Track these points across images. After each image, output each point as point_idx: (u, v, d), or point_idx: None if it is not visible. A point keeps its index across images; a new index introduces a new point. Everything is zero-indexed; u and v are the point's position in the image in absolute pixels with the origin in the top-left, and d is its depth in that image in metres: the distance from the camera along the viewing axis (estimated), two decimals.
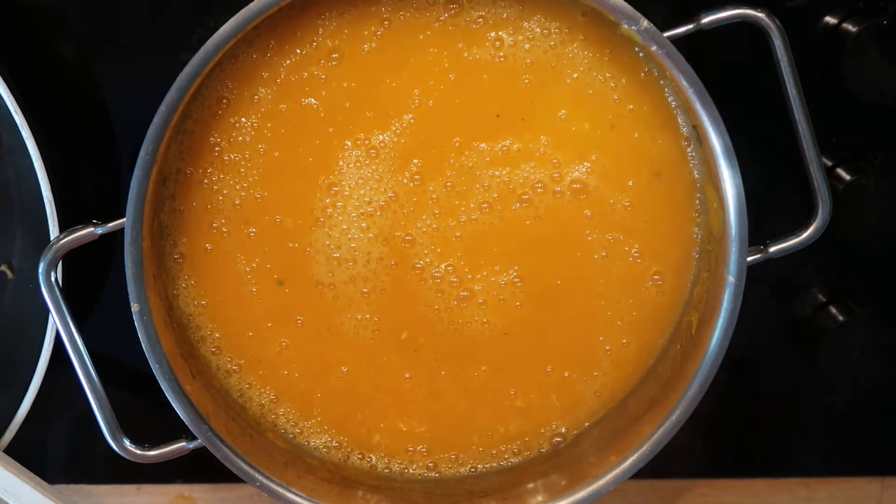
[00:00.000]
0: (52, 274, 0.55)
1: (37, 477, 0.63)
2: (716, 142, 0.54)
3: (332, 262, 0.59)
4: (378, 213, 0.58)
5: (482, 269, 0.59)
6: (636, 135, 0.58)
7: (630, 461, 0.57)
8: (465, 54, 0.57)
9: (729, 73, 0.62)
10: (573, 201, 0.58)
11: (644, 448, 0.57)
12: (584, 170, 0.58)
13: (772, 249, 0.57)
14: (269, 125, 0.57)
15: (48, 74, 0.62)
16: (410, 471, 0.62)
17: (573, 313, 0.60)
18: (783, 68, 0.55)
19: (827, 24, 0.62)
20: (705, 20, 0.55)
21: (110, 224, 0.55)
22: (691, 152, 0.58)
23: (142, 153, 0.53)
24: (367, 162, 0.58)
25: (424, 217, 0.58)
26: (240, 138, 0.58)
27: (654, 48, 0.53)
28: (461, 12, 0.57)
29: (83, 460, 0.67)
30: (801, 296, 0.66)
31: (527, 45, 0.57)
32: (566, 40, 0.57)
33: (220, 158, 0.58)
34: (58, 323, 0.56)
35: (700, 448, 0.67)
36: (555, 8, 0.57)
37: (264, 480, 0.57)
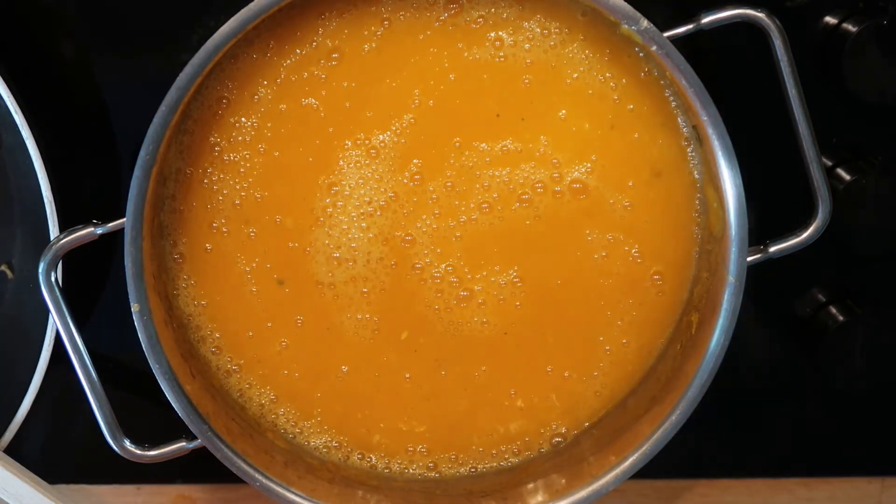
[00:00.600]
0: (52, 274, 0.55)
1: (37, 477, 0.63)
2: (716, 142, 0.54)
3: (332, 262, 0.59)
4: (378, 213, 0.58)
5: (482, 269, 0.59)
6: (636, 135, 0.58)
7: (630, 461, 0.57)
8: (465, 54, 0.57)
9: (729, 73, 0.62)
10: (573, 201, 0.58)
11: (644, 448, 0.57)
12: (584, 170, 0.58)
13: (772, 249, 0.57)
14: (269, 125, 0.57)
15: (48, 74, 0.62)
16: (410, 471, 0.62)
17: (573, 313, 0.60)
18: (783, 68, 0.55)
19: (827, 24, 0.62)
20: (705, 20, 0.55)
21: (110, 224, 0.55)
22: (691, 152, 0.58)
23: (142, 153, 0.53)
24: (367, 162, 0.58)
25: (424, 217, 0.58)
26: (240, 138, 0.58)
27: (654, 48, 0.53)
28: (461, 12, 0.57)
29: (83, 460, 0.67)
30: (801, 296, 0.66)
31: (527, 45, 0.57)
32: (566, 40, 0.57)
33: (220, 158, 0.58)
34: (58, 323, 0.56)
35: (700, 448, 0.67)
36: (555, 8, 0.57)
37: (264, 480, 0.57)
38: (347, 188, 0.58)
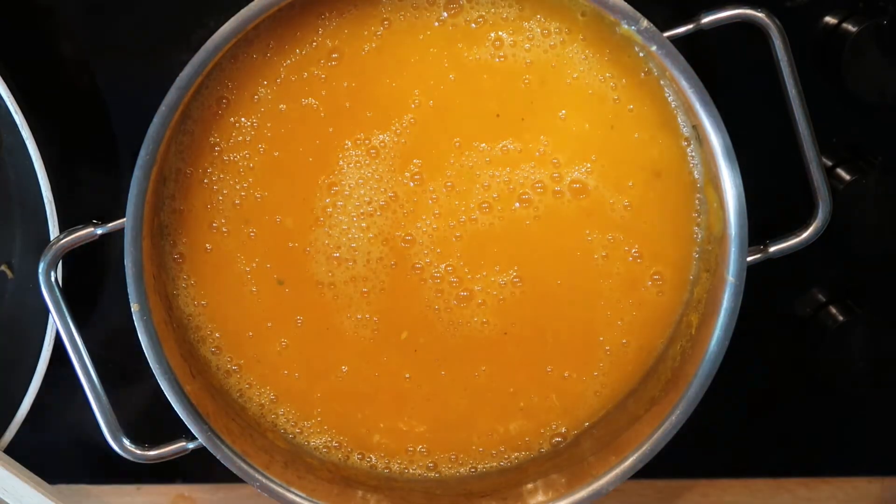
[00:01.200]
0: (52, 274, 0.55)
1: (37, 477, 0.63)
2: (716, 142, 0.54)
3: (332, 262, 0.59)
4: (378, 213, 0.58)
5: (482, 269, 0.59)
6: (636, 135, 0.58)
7: (630, 461, 0.57)
8: (465, 54, 0.57)
9: (729, 73, 0.62)
10: (573, 201, 0.58)
11: (644, 448, 0.57)
12: (583, 170, 0.58)
13: (772, 249, 0.57)
14: (268, 125, 0.57)
15: (48, 74, 0.62)
16: (410, 471, 0.62)
17: (573, 313, 0.60)
18: (783, 68, 0.55)
19: (827, 24, 0.62)
20: (705, 20, 0.55)
21: (110, 224, 0.55)
22: (691, 152, 0.58)
23: (142, 153, 0.53)
24: (367, 162, 0.58)
25: (424, 217, 0.58)
26: (240, 138, 0.58)
27: (653, 48, 0.53)
28: (461, 12, 0.57)
29: (83, 460, 0.67)
30: (801, 296, 0.66)
31: (527, 46, 0.57)
32: (566, 40, 0.57)
33: (220, 158, 0.58)
34: (58, 323, 0.56)
35: (700, 448, 0.67)
36: (555, 8, 0.57)
37: (264, 480, 0.57)
38: (347, 188, 0.58)
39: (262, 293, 0.59)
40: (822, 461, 0.69)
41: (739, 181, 0.54)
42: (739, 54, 0.61)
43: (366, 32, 0.57)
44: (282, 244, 0.59)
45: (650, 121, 0.58)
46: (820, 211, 0.57)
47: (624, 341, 0.60)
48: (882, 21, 0.60)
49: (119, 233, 0.54)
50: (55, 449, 0.67)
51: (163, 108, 0.52)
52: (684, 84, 0.54)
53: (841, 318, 0.65)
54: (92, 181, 0.64)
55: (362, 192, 0.58)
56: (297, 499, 0.57)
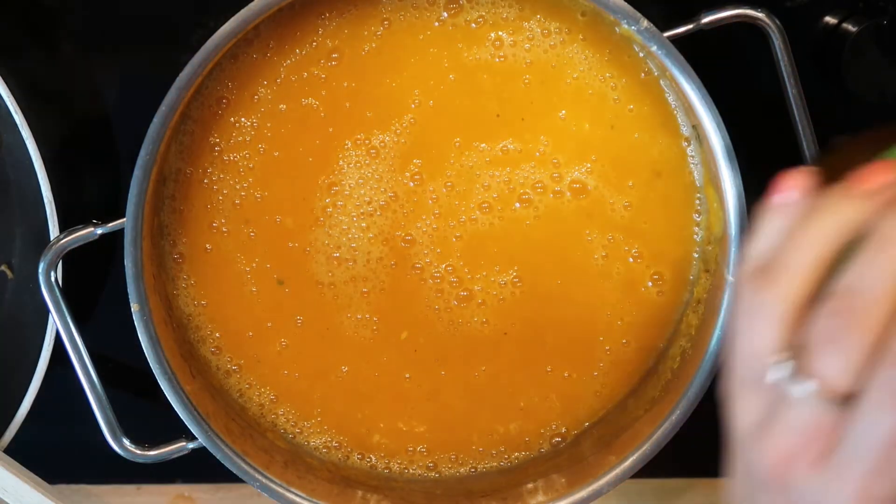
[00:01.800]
0: (52, 274, 0.55)
1: (37, 477, 0.63)
2: (716, 142, 0.54)
3: (332, 262, 0.59)
4: (378, 213, 0.58)
5: (482, 269, 0.59)
6: (636, 135, 0.58)
7: (630, 461, 0.57)
8: (465, 54, 0.57)
9: (729, 73, 0.62)
10: (573, 201, 0.58)
11: (644, 448, 0.57)
12: (584, 170, 0.58)
13: None
14: (268, 125, 0.57)
15: (48, 74, 0.62)
16: (410, 471, 0.62)
17: (573, 313, 0.60)
18: (783, 68, 0.55)
19: (827, 24, 0.62)
20: (705, 20, 0.55)
21: (110, 224, 0.55)
22: (691, 152, 0.58)
23: (142, 153, 0.53)
24: (367, 162, 0.58)
25: (424, 217, 0.58)
26: (240, 138, 0.58)
27: (653, 48, 0.53)
28: (461, 12, 0.57)
29: (83, 460, 0.67)
30: None
31: (527, 45, 0.57)
32: (566, 40, 0.57)
33: (220, 158, 0.58)
34: (58, 323, 0.56)
35: (700, 448, 0.67)
36: (555, 8, 0.57)
37: (264, 480, 0.57)
38: (347, 188, 0.58)
39: (262, 293, 0.59)
40: None
41: (739, 181, 0.54)
42: (739, 54, 0.61)
43: (366, 32, 0.57)
44: (282, 244, 0.59)
45: (650, 121, 0.58)
46: None
47: (624, 341, 0.60)
48: (882, 21, 0.60)
49: (119, 233, 0.54)
50: (55, 449, 0.67)
51: (163, 108, 0.52)
52: (684, 84, 0.54)
53: None
54: (92, 181, 0.64)
55: (362, 192, 0.58)
56: (297, 499, 0.57)
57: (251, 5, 0.52)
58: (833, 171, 0.40)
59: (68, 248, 0.55)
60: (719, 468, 0.69)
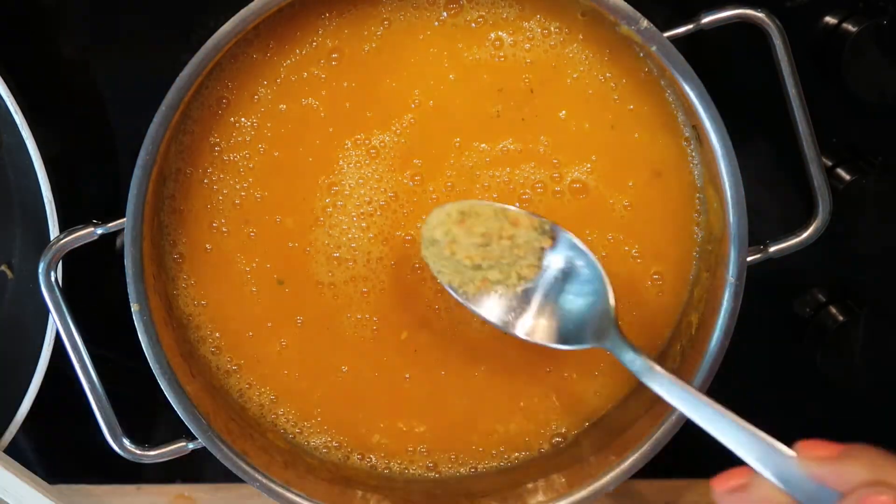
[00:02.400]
0: (52, 274, 0.55)
1: (37, 477, 0.63)
2: (716, 142, 0.54)
3: (332, 262, 0.59)
4: (378, 213, 0.58)
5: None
6: (636, 135, 0.58)
7: (630, 461, 0.57)
8: (465, 54, 0.57)
9: (729, 73, 0.62)
10: (573, 201, 0.58)
11: (644, 448, 0.57)
12: (584, 170, 0.58)
13: (772, 249, 0.57)
14: (268, 125, 0.57)
15: (48, 74, 0.62)
16: (410, 471, 0.62)
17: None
18: (783, 68, 0.55)
19: (827, 24, 0.62)
20: (705, 20, 0.55)
21: (110, 224, 0.55)
22: (691, 152, 0.58)
23: (142, 153, 0.53)
24: (367, 162, 0.58)
25: (424, 217, 0.58)
26: (240, 138, 0.58)
27: (653, 48, 0.53)
28: (461, 12, 0.57)
29: (83, 460, 0.67)
30: (801, 296, 0.66)
31: (527, 45, 0.57)
32: (566, 40, 0.57)
33: (220, 158, 0.58)
34: (58, 323, 0.56)
35: (700, 448, 0.67)
36: (555, 8, 0.57)
37: (264, 480, 0.57)
38: (347, 188, 0.58)
39: (262, 293, 0.59)
40: None
41: (739, 181, 0.54)
42: (739, 54, 0.61)
43: (366, 32, 0.57)
44: (282, 244, 0.59)
45: (650, 121, 0.58)
46: (820, 211, 0.57)
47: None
48: (882, 21, 0.60)
49: (119, 233, 0.54)
50: (55, 449, 0.67)
51: (163, 108, 0.52)
52: (684, 84, 0.54)
53: (841, 318, 0.65)
54: (92, 181, 0.64)
55: (362, 191, 0.58)
56: (297, 499, 0.57)
57: (251, 5, 0.52)
58: None
59: (68, 248, 0.55)
60: (719, 468, 0.69)
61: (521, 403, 0.61)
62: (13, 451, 0.63)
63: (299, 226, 0.58)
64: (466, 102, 0.57)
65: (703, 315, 0.58)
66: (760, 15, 0.54)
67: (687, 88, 0.54)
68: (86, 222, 0.56)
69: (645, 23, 0.53)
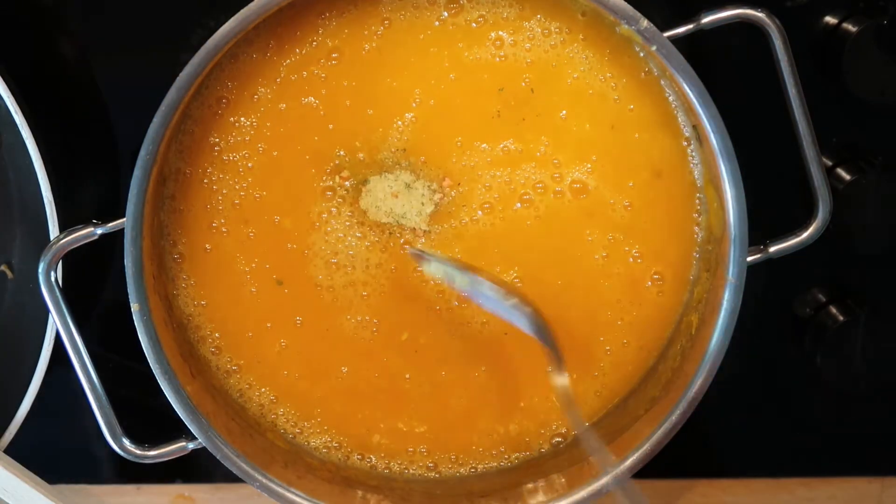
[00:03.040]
0: (52, 274, 0.55)
1: (37, 477, 0.63)
2: (716, 142, 0.54)
3: (331, 267, 0.59)
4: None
5: (483, 269, 0.59)
6: (636, 135, 0.58)
7: (630, 461, 0.57)
8: (466, 54, 0.57)
9: (729, 73, 0.62)
10: (574, 201, 0.58)
11: (644, 448, 0.57)
12: (584, 170, 0.58)
13: (772, 249, 0.57)
14: (268, 125, 0.57)
15: (48, 74, 0.62)
16: (410, 471, 0.62)
17: (573, 314, 0.60)
18: (783, 68, 0.55)
19: (827, 24, 0.62)
20: (705, 20, 0.55)
21: (110, 224, 0.55)
22: (691, 152, 0.58)
23: (142, 153, 0.53)
24: (367, 162, 0.58)
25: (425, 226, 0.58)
26: (239, 138, 0.57)
27: (654, 48, 0.53)
28: (461, 12, 0.57)
29: (83, 460, 0.67)
30: (801, 296, 0.66)
31: (527, 45, 0.57)
32: (566, 40, 0.57)
33: (220, 158, 0.58)
34: (58, 323, 0.56)
35: (700, 448, 0.67)
36: (555, 8, 0.57)
37: (264, 480, 0.57)
38: (345, 190, 0.58)
39: (262, 293, 0.59)
40: (822, 461, 0.69)
41: (739, 181, 0.54)
42: (739, 54, 0.61)
43: (366, 32, 0.57)
44: (281, 245, 0.58)
45: (650, 121, 0.58)
46: (820, 211, 0.57)
47: (624, 341, 0.60)
48: (882, 21, 0.60)
49: (119, 233, 0.54)
50: (55, 449, 0.67)
51: (163, 108, 0.52)
52: (684, 84, 0.54)
53: (841, 318, 0.65)
54: (92, 181, 0.64)
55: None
56: (297, 499, 0.57)
57: (251, 5, 0.52)
58: None
59: (68, 248, 0.55)
60: (719, 468, 0.70)
61: (521, 403, 0.61)
62: (13, 451, 0.63)
63: (298, 227, 0.58)
64: (467, 102, 0.57)
65: (703, 315, 0.58)
66: (760, 15, 0.54)
67: (687, 88, 0.54)
68: (86, 222, 0.56)
69: (645, 23, 0.53)
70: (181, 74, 0.52)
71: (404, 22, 0.57)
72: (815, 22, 0.62)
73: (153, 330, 0.55)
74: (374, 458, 0.61)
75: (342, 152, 0.58)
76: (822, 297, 0.66)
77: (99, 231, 0.55)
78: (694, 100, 0.54)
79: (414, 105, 0.57)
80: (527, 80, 0.57)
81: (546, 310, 0.59)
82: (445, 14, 0.57)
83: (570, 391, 0.56)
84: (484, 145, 0.58)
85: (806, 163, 0.56)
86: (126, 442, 0.57)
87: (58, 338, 0.58)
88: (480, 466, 0.62)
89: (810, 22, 0.62)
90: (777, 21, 0.55)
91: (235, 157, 0.58)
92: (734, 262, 0.55)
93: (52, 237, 0.59)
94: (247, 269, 0.59)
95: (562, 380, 0.55)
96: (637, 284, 0.59)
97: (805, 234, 0.57)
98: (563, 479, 0.59)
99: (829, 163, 0.63)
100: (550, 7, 0.57)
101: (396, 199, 0.58)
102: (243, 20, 0.52)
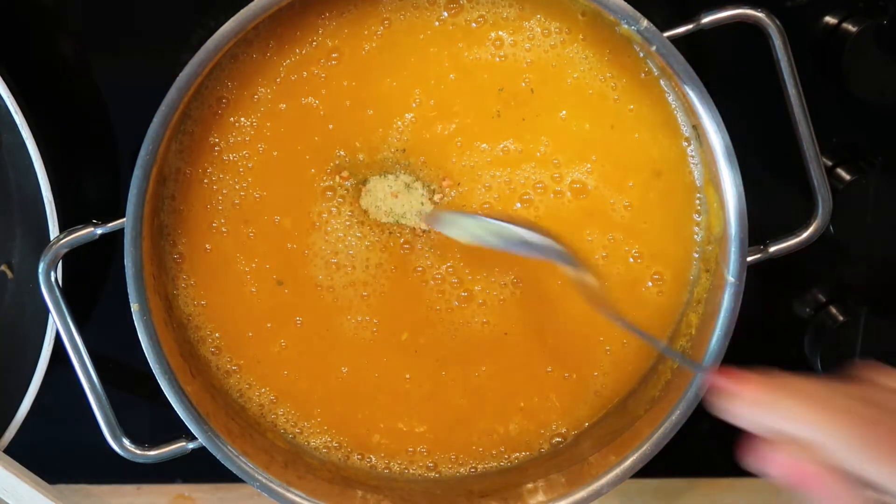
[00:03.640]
0: (52, 274, 0.55)
1: (37, 477, 0.63)
2: (716, 142, 0.54)
3: (331, 267, 0.59)
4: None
5: (483, 269, 0.59)
6: (636, 135, 0.58)
7: (630, 461, 0.57)
8: (466, 54, 0.57)
9: (729, 73, 0.62)
10: (573, 201, 0.58)
11: (644, 448, 0.57)
12: (584, 170, 0.58)
13: (772, 249, 0.57)
14: (268, 125, 0.57)
15: (48, 74, 0.62)
16: (410, 471, 0.62)
17: (573, 314, 0.60)
18: (783, 68, 0.55)
19: (827, 24, 0.62)
20: (705, 20, 0.55)
21: (110, 224, 0.55)
22: (691, 152, 0.58)
23: (142, 153, 0.53)
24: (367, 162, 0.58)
25: (425, 227, 0.58)
26: (239, 138, 0.57)
27: (654, 48, 0.53)
28: (461, 12, 0.57)
29: (83, 460, 0.67)
30: (801, 296, 0.66)
31: (527, 45, 0.57)
32: (566, 40, 0.57)
33: (220, 158, 0.58)
34: (58, 323, 0.56)
35: (700, 448, 0.67)
36: (555, 8, 0.57)
37: (264, 480, 0.57)
38: (345, 190, 0.58)
39: (262, 293, 0.59)
40: None
41: (739, 181, 0.54)
42: (739, 54, 0.61)
43: (366, 32, 0.57)
44: (281, 245, 0.58)
45: (650, 121, 0.58)
46: (820, 211, 0.57)
47: (624, 341, 0.60)
48: (882, 21, 0.60)
49: (119, 233, 0.54)
50: (55, 449, 0.67)
51: (163, 108, 0.52)
52: (684, 84, 0.54)
53: (841, 318, 0.65)
54: (92, 181, 0.64)
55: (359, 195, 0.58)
56: (297, 499, 0.57)
57: (251, 5, 0.52)
58: None
59: (68, 248, 0.55)
60: (719, 468, 0.69)
61: (521, 403, 0.61)
62: (13, 451, 0.63)
63: (298, 227, 0.58)
64: (467, 102, 0.57)
65: (703, 315, 0.58)
66: (760, 15, 0.54)
67: (687, 88, 0.54)
68: (86, 222, 0.56)
69: (645, 23, 0.53)
70: (181, 74, 0.52)
71: (404, 22, 0.57)
72: (815, 22, 0.62)
73: (153, 330, 0.55)
74: (374, 458, 0.61)
75: (342, 152, 0.58)
76: (822, 297, 0.66)
77: (99, 231, 0.55)
78: (694, 100, 0.54)
79: (414, 105, 0.57)
80: (527, 80, 0.57)
81: (546, 310, 0.59)
82: (445, 14, 0.57)
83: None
84: (484, 145, 0.58)
85: (806, 163, 0.56)
86: (126, 442, 0.57)
87: (58, 338, 0.58)
88: (480, 466, 0.62)
89: (810, 22, 0.62)
90: (777, 21, 0.55)
91: (235, 157, 0.58)
92: (734, 262, 0.55)
93: (52, 237, 0.59)
94: (247, 269, 0.59)
95: (592, 280, 0.54)
96: (637, 284, 0.59)
97: (805, 234, 0.57)
98: (563, 479, 0.59)
99: (829, 163, 0.63)
100: (550, 7, 0.57)
101: (396, 198, 0.58)
102: (243, 20, 0.52)
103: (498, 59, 0.57)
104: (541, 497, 0.59)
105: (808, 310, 0.66)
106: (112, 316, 0.64)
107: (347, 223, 0.58)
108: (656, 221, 0.59)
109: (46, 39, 0.62)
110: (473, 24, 0.57)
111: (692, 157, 0.58)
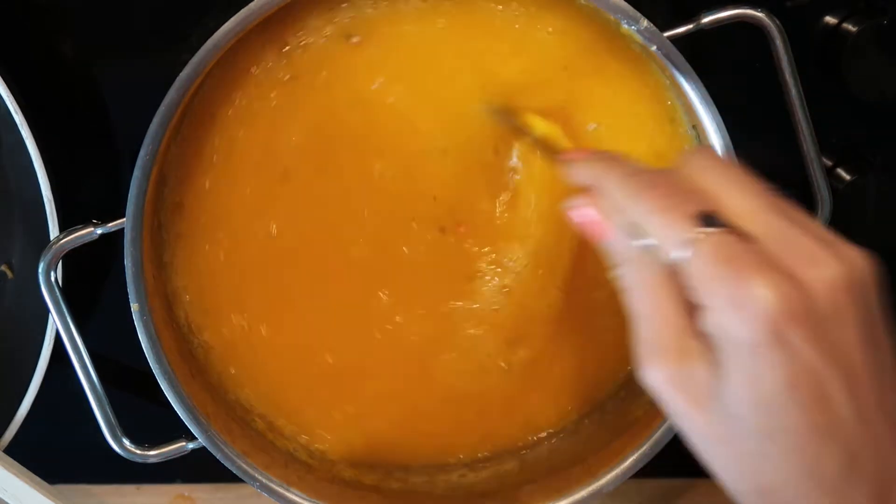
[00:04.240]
0: (52, 274, 0.55)
1: (37, 477, 0.63)
2: (716, 142, 0.54)
3: (331, 271, 0.59)
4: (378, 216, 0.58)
5: (488, 265, 0.59)
6: (636, 135, 0.58)
7: (630, 461, 0.57)
8: (464, 48, 0.57)
9: (729, 73, 0.62)
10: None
11: (644, 448, 0.57)
12: None
13: None
14: (268, 125, 0.57)
15: (48, 74, 0.62)
16: (410, 471, 0.62)
17: (573, 312, 0.60)
18: (783, 68, 0.55)
19: (827, 24, 0.62)
20: (705, 20, 0.55)
21: (110, 224, 0.55)
22: None
23: (142, 153, 0.53)
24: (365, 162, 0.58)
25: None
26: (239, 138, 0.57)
27: (653, 48, 0.53)
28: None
29: (83, 460, 0.67)
30: None
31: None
32: (566, 40, 0.57)
33: (221, 158, 0.58)
34: (58, 323, 0.56)
35: None
36: (555, 8, 0.57)
37: (264, 480, 0.57)
38: (342, 191, 0.58)
39: (261, 293, 0.59)
40: None
41: None
42: (739, 54, 0.61)
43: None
44: (280, 247, 0.58)
45: (650, 121, 0.58)
46: (820, 211, 0.57)
47: (625, 342, 0.60)
48: (882, 21, 0.60)
49: (119, 233, 0.54)
50: (55, 449, 0.67)
51: (163, 108, 0.52)
52: (684, 84, 0.54)
53: None
54: (92, 181, 0.64)
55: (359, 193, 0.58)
56: (297, 499, 0.57)
57: (251, 5, 0.52)
58: None
59: (68, 248, 0.55)
60: None
61: (521, 403, 0.61)
62: (13, 451, 0.63)
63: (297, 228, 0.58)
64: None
65: None
66: (760, 15, 0.55)
67: (687, 88, 0.54)
68: (86, 222, 0.56)
69: (645, 23, 0.53)
70: (181, 74, 0.52)
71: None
72: (815, 22, 0.62)
73: (153, 330, 0.55)
74: (374, 460, 0.61)
75: None
76: None
77: (99, 231, 0.55)
78: (694, 100, 0.54)
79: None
80: (526, 79, 0.57)
81: (546, 308, 0.59)
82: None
83: None
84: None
85: (806, 162, 0.56)
86: (126, 442, 0.57)
87: (58, 338, 0.58)
88: (480, 466, 0.62)
89: (810, 22, 0.62)
90: (777, 21, 0.55)
91: (235, 157, 0.58)
92: None
93: (52, 237, 0.59)
94: (246, 269, 0.59)
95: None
96: None
97: None
98: (563, 479, 0.59)
99: (829, 163, 0.63)
100: (550, 7, 0.56)
101: None
102: (243, 20, 0.52)
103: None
104: (541, 497, 0.59)
105: None
106: (112, 316, 0.64)
107: (344, 223, 0.58)
108: None
109: (46, 39, 0.62)
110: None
111: None
